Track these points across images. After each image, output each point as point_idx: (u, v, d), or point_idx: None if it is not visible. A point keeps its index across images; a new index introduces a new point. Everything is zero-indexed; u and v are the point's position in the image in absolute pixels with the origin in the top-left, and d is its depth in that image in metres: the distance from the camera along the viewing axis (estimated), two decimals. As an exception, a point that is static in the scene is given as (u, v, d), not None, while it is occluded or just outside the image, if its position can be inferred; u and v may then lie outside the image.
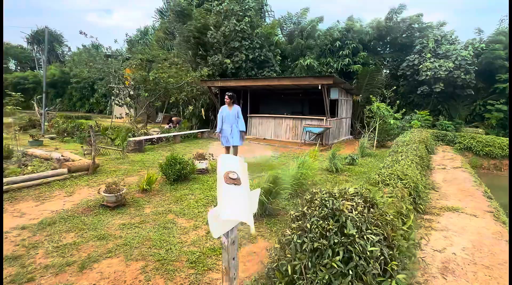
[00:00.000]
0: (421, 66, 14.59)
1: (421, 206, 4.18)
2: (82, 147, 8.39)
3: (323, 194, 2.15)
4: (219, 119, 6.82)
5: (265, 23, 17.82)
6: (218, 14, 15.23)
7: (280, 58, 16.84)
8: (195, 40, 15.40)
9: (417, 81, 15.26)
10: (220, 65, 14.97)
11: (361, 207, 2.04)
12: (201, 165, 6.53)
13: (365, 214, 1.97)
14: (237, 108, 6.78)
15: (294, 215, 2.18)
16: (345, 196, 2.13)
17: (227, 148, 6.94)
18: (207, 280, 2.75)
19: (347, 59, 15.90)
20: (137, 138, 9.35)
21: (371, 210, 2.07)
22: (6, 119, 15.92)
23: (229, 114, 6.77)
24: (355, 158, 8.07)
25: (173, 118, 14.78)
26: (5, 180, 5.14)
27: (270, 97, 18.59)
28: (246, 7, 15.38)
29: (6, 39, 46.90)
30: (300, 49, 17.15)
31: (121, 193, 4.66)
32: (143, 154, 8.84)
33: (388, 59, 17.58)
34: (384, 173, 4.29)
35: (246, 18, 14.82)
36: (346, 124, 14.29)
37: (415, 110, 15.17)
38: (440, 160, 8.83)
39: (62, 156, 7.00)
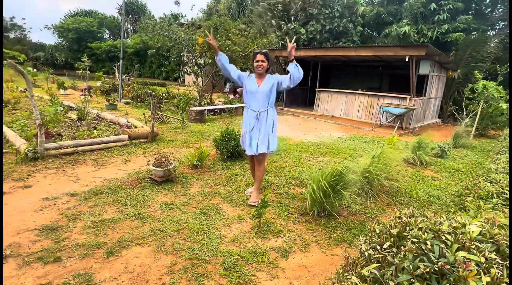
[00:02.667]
0: (553, 34, 11.10)
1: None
2: (143, 114, 8.55)
3: (423, 232, 1.29)
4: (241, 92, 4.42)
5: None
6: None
7: (361, 29, 14.76)
8: (281, 7, 14.37)
9: (544, 54, 11.76)
10: (294, 34, 13.79)
11: (496, 267, 1.14)
12: (258, 142, 5.96)
13: (505, 285, 1.07)
14: (273, 80, 3.51)
15: (367, 254, 1.38)
16: (463, 240, 1.24)
17: (251, 156, 3.87)
18: (240, 298, 2.19)
19: (446, 25, 13.06)
20: (198, 108, 9.18)
21: (515, 273, 1.15)
22: (93, 83, 17.77)
23: (256, 90, 3.49)
24: (445, 148, 6.52)
25: (237, 89, 14.45)
26: (71, 142, 5.34)
27: (344, 71, 16.76)
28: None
29: (102, 11, 52.01)
30: (392, 14, 14.70)
31: (169, 168, 4.38)
32: (204, 124, 8.65)
33: (501, 23, 13.93)
34: (500, 181, 3.05)
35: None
36: (434, 106, 12.03)
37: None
38: None
39: (127, 122, 7.16)
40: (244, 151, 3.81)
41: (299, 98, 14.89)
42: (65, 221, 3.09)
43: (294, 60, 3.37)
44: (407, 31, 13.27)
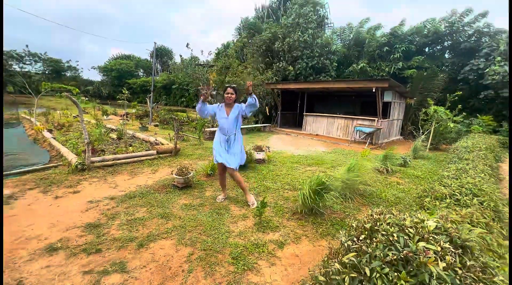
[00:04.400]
0: (487, 70, 11.31)
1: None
2: (168, 134, 8.61)
3: (390, 226, 1.27)
4: (203, 109, 3.42)
5: (325, 34, 16.15)
6: (284, 27, 14.25)
7: (336, 65, 15.10)
8: (265, 48, 14.78)
9: (481, 85, 11.94)
10: (284, 71, 14.10)
11: (450, 254, 1.12)
12: (258, 155, 5.93)
13: (457, 270, 1.05)
14: (239, 109, 3.43)
15: (346, 244, 1.36)
16: (423, 233, 1.22)
17: (222, 166, 3.57)
18: (245, 282, 2.13)
19: (400, 63, 13.32)
20: (211, 129, 9.25)
21: (465, 260, 1.13)
22: (130, 110, 17.97)
23: (225, 119, 3.39)
24: (407, 159, 6.48)
25: (242, 114, 14.78)
26: (111, 156, 5.35)
27: (325, 99, 16.97)
28: (309, 19, 14.03)
29: (138, 54, 53.21)
30: (356, 56, 15.07)
31: (188, 176, 4.36)
32: None
33: (447, 64, 14.22)
34: (452, 185, 3.02)
35: (309, 30, 13.51)
36: (397, 126, 12.06)
37: (476, 114, 11.97)
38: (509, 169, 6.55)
39: (156, 140, 7.20)
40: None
41: (290, 120, 15.15)
42: (105, 220, 3.06)
43: (253, 94, 3.30)
44: (363, 66, 13.56)
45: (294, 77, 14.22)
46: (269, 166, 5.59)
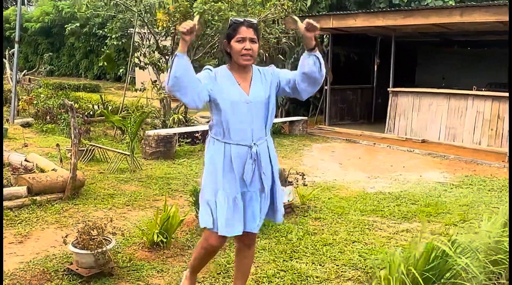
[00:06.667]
0: None
1: None
2: (57, 146, 4.10)
3: None
4: (199, 81, 1.27)
5: None
6: None
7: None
8: None
9: None
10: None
11: None
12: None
13: None
14: (270, 77, 1.39)
15: None
16: None
17: (225, 238, 1.36)
18: None
19: None
20: (163, 132, 4.53)
21: None
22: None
23: (246, 100, 1.31)
24: None
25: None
26: None
27: (440, 54, 8.06)
28: None
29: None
30: None
31: (104, 249, 1.64)
32: (173, 162, 4.29)
33: None
34: None
35: None
36: None
37: None
38: None
39: (26, 160, 3.56)
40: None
41: (355, 107, 7.30)
42: None
43: (317, 50, 1.32)
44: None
45: (360, 2, 6.90)
46: (305, 221, 2.70)
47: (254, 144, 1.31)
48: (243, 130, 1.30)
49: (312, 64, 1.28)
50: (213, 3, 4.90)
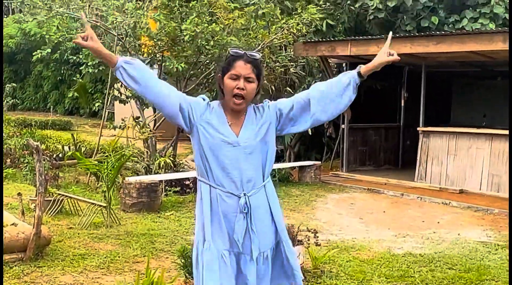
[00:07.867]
0: None
1: None
2: (18, 194, 3.15)
3: None
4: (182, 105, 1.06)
5: None
6: None
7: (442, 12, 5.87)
8: None
9: None
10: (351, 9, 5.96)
11: None
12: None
13: None
14: (266, 117, 1.11)
15: None
16: None
17: None
18: None
19: None
20: (146, 179, 3.90)
21: None
22: None
23: (234, 142, 1.06)
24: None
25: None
26: None
27: (480, 89, 6.89)
28: None
29: None
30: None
31: None
32: (158, 215, 3.72)
33: None
34: None
35: None
36: None
37: None
38: None
39: None
40: None
41: (378, 150, 6.32)
42: None
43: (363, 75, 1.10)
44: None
45: (339, 33, 6.01)
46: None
47: (244, 194, 1.07)
48: (228, 176, 1.07)
49: (346, 82, 1.10)
50: (206, 25, 4.27)
